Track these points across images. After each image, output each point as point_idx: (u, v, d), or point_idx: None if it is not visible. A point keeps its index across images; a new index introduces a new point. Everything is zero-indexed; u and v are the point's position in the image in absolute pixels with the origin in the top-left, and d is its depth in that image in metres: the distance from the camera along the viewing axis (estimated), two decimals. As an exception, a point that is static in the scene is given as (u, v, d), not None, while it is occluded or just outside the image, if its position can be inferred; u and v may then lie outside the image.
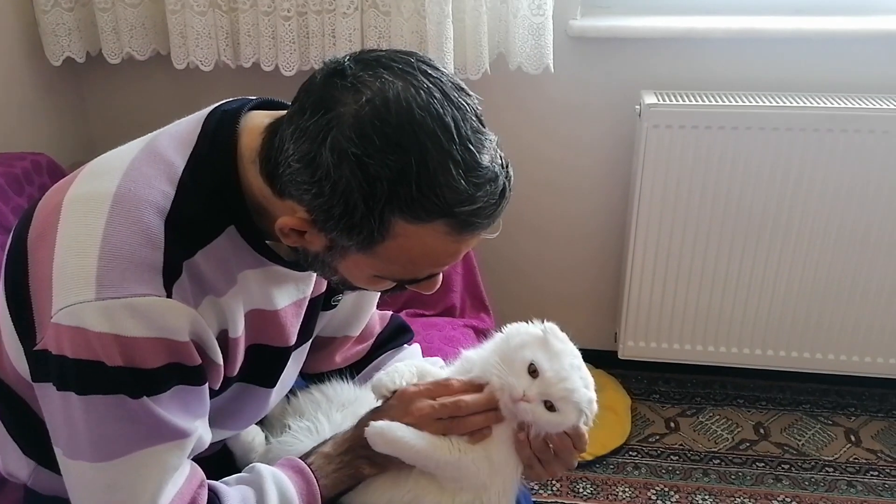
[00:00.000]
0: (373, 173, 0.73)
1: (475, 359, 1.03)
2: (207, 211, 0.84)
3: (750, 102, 1.83)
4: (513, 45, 1.81)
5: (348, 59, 0.78)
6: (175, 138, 0.87)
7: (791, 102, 1.82)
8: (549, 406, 0.94)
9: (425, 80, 0.76)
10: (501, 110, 1.98)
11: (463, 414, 0.96)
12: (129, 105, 2.10)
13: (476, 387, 0.99)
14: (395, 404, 0.99)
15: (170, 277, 0.80)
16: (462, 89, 0.79)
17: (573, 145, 2.03)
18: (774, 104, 1.82)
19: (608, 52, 1.93)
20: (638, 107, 1.89)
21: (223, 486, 0.90)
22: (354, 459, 0.96)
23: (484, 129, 0.79)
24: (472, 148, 0.75)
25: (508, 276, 2.18)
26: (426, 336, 1.64)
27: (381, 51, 0.80)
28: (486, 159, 0.77)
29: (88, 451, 0.80)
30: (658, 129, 1.85)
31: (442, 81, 0.77)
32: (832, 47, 1.87)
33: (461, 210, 0.76)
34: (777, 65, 1.90)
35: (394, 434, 0.94)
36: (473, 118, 0.77)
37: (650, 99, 1.86)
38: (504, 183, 0.79)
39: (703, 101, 1.85)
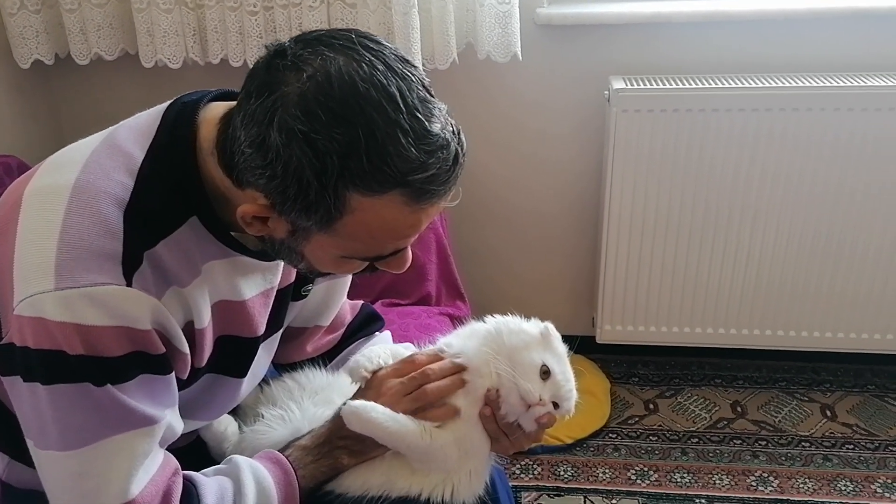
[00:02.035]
0: (322, 149, 0.74)
1: (458, 347, 1.04)
2: (167, 202, 0.85)
3: (717, 84, 1.85)
4: (480, 34, 1.82)
5: (289, 41, 0.79)
6: (134, 130, 0.88)
7: (757, 83, 1.84)
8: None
9: (367, 54, 0.77)
10: (471, 100, 1.99)
11: (429, 381, 0.98)
12: (99, 106, 2.10)
13: (439, 358, 1.01)
14: (368, 388, 1.01)
15: (129, 267, 0.80)
16: (406, 61, 0.79)
17: (544, 132, 2.05)
18: (741, 85, 1.84)
19: (576, 39, 1.95)
20: (607, 92, 1.91)
21: (200, 477, 0.91)
22: (332, 450, 0.97)
23: (432, 98, 0.79)
24: (419, 116, 0.76)
25: (484, 265, 2.19)
26: (402, 325, 1.65)
27: (322, 30, 0.81)
28: (436, 127, 0.77)
29: (57, 441, 0.81)
30: (627, 114, 1.87)
31: (384, 54, 0.78)
32: (796, 28, 1.90)
33: (415, 178, 0.76)
34: (742, 47, 1.92)
35: (368, 414, 0.96)
36: (420, 87, 0.78)
37: (618, 84, 1.87)
38: (456, 149, 0.79)
39: (672, 84, 1.87)
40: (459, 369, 1.00)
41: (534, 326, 1.03)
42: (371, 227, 0.80)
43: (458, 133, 0.81)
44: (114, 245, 0.80)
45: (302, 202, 0.77)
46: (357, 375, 1.02)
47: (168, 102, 0.91)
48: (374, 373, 1.02)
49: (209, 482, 0.90)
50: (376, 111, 0.74)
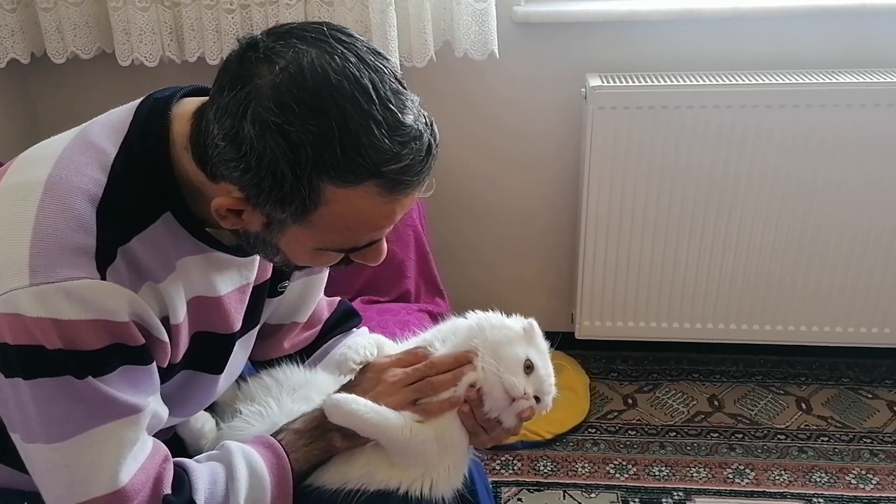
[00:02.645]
0: (295, 140, 0.75)
1: (439, 343, 1.05)
2: (141, 197, 0.85)
3: (694, 81, 1.87)
4: (458, 31, 1.83)
5: (261, 34, 0.80)
6: (107, 126, 0.88)
7: (734, 80, 1.87)
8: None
9: (339, 46, 0.77)
10: (449, 98, 2.00)
11: (434, 373, 1.00)
12: (76, 105, 2.09)
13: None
14: (369, 376, 1.02)
15: (103, 262, 0.80)
16: (378, 53, 0.80)
17: (521, 130, 2.06)
18: (718, 82, 1.86)
19: (552, 37, 1.96)
20: (583, 90, 1.92)
21: (192, 462, 0.91)
22: (325, 433, 0.98)
23: (405, 90, 0.80)
24: (392, 108, 0.77)
25: (463, 262, 2.20)
26: (381, 321, 1.65)
27: (294, 23, 0.81)
28: (409, 118, 0.78)
29: (43, 434, 0.81)
30: (604, 111, 1.89)
31: (357, 46, 0.78)
32: (772, 25, 1.92)
33: (388, 169, 0.77)
34: (718, 44, 1.95)
35: (349, 406, 0.96)
36: (392, 80, 0.79)
37: (595, 81, 1.89)
38: (429, 140, 0.80)
39: (648, 81, 1.89)
40: (462, 362, 1.00)
41: (517, 322, 1.05)
42: (346, 218, 0.81)
43: (431, 124, 0.82)
44: (87, 240, 0.80)
45: (277, 194, 0.78)
46: (345, 368, 1.02)
47: (141, 99, 0.91)
48: (362, 364, 1.03)
49: (201, 468, 0.90)
50: (349, 103, 0.75)
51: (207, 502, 0.88)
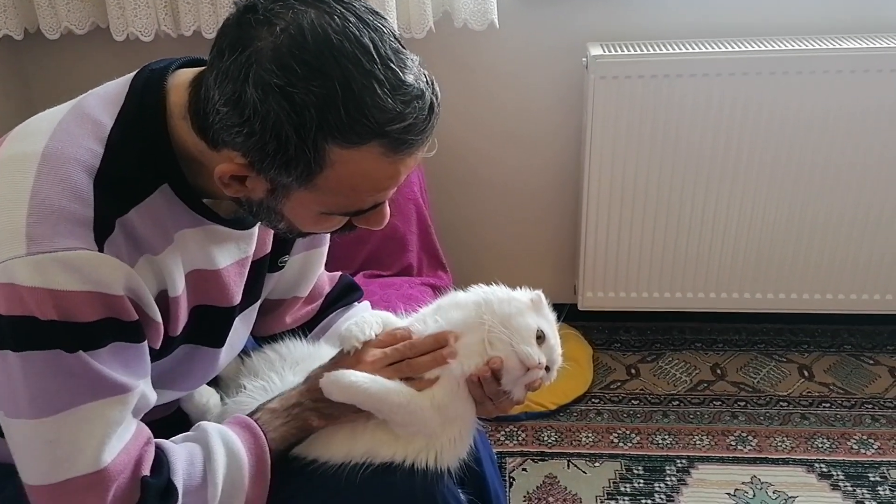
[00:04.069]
0: (299, 102, 0.74)
1: (450, 313, 1.05)
2: (138, 168, 0.84)
3: (696, 49, 1.85)
4: (457, 1, 1.81)
5: None
6: (103, 98, 0.87)
7: (736, 47, 1.84)
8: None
9: (337, 6, 0.77)
10: (449, 69, 1.98)
11: (414, 355, 1.00)
12: (71, 80, 2.06)
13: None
14: (347, 356, 1.01)
15: (101, 233, 0.80)
16: (376, 13, 0.79)
17: (522, 101, 2.04)
18: (720, 49, 1.84)
19: (552, 5, 1.93)
20: (584, 59, 1.90)
21: (169, 444, 0.91)
22: (303, 412, 0.98)
23: (404, 49, 0.79)
24: (394, 67, 0.76)
25: (465, 235, 2.20)
26: (384, 295, 1.65)
27: None
28: (410, 77, 0.78)
29: (28, 409, 0.80)
30: (605, 81, 1.86)
31: (355, 6, 0.78)
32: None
33: (392, 129, 0.77)
34: (721, 10, 1.92)
35: (348, 379, 0.97)
36: (391, 39, 0.78)
37: (596, 50, 1.87)
38: (431, 99, 0.80)
39: (650, 49, 1.87)
40: (442, 343, 1.00)
41: (524, 294, 1.05)
42: (351, 179, 0.80)
43: (432, 83, 0.81)
44: (84, 211, 0.79)
45: (281, 158, 0.77)
46: (349, 345, 1.01)
47: (136, 71, 0.90)
48: (367, 341, 1.02)
49: (178, 449, 0.90)
50: (351, 63, 0.74)
51: (185, 483, 0.88)
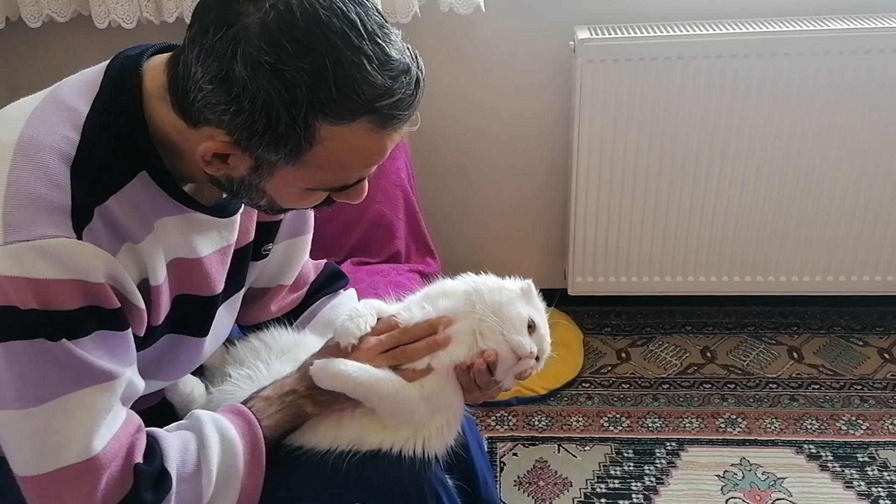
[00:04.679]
0: (290, 79, 0.73)
1: (438, 302, 1.04)
2: (115, 155, 0.83)
3: (683, 31, 1.84)
4: (442, -15, 1.79)
5: None
6: (78, 86, 0.87)
7: (723, 29, 1.83)
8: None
9: None
10: (435, 54, 1.96)
11: (408, 341, 0.99)
12: (53, 69, 2.00)
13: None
14: (342, 348, 1.00)
15: (79, 221, 0.79)
16: None
17: (510, 86, 2.02)
18: (708, 31, 1.83)
19: (539, -11, 1.92)
20: (572, 43, 1.89)
21: (162, 432, 0.91)
22: (297, 399, 0.98)
23: (387, 24, 0.79)
24: (380, 42, 0.76)
25: (454, 221, 2.19)
26: (372, 283, 1.65)
27: None
28: (396, 53, 0.78)
29: (15, 399, 0.80)
30: (593, 64, 1.85)
31: None
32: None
33: (382, 104, 0.77)
34: (707, -8, 1.91)
35: (337, 368, 0.96)
36: (376, 14, 0.78)
37: (583, 34, 1.85)
38: (417, 73, 0.80)
39: (637, 32, 1.85)
40: (436, 329, 1.00)
41: (514, 283, 1.05)
42: (340, 156, 0.80)
43: (416, 57, 0.81)
44: (61, 198, 0.79)
45: (271, 136, 0.77)
46: (345, 340, 1.00)
47: (111, 58, 0.89)
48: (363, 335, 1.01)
49: (171, 437, 0.90)
50: (340, 39, 0.74)
51: (179, 471, 0.87)
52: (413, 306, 1.06)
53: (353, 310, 1.04)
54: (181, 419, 1.03)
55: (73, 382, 0.80)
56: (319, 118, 0.76)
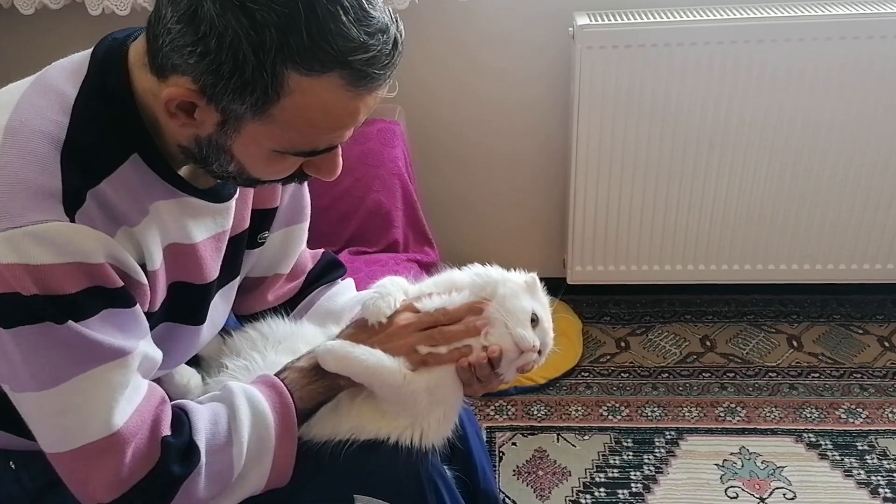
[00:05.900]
0: (259, 19, 0.71)
1: (445, 290, 1.03)
2: (106, 137, 0.82)
3: (683, 17, 1.82)
4: (439, -30, 1.77)
5: None
6: (65, 70, 0.86)
7: (723, 15, 1.81)
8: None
9: None
10: (433, 40, 1.94)
11: (446, 322, 0.98)
12: (47, 57, 1.96)
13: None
14: (372, 327, 0.99)
15: (71, 205, 0.78)
16: None
17: (509, 72, 2.01)
18: (707, 17, 1.81)
19: (538, -26, 1.90)
20: (571, 29, 1.87)
21: (192, 403, 0.91)
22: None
23: None
24: None
25: (452, 209, 2.18)
26: (370, 272, 1.64)
27: None
28: (375, 11, 0.76)
29: (31, 382, 0.80)
30: (592, 51, 1.84)
31: None
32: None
33: (355, 59, 0.75)
34: (708, -22, 1.89)
35: (344, 350, 0.96)
36: None
37: (583, 20, 1.84)
38: (396, 34, 0.78)
39: (637, 18, 1.84)
40: (476, 312, 0.98)
41: (518, 276, 1.04)
42: (309, 111, 0.77)
43: (397, 19, 0.79)
44: (52, 183, 0.77)
45: (237, 81, 0.74)
46: (374, 318, 0.99)
47: (98, 41, 0.88)
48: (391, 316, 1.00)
49: (201, 409, 0.90)
50: None
51: (209, 443, 0.87)
52: (424, 297, 1.05)
53: (381, 286, 1.03)
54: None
55: (85, 362, 0.80)
56: (289, 66, 0.73)
